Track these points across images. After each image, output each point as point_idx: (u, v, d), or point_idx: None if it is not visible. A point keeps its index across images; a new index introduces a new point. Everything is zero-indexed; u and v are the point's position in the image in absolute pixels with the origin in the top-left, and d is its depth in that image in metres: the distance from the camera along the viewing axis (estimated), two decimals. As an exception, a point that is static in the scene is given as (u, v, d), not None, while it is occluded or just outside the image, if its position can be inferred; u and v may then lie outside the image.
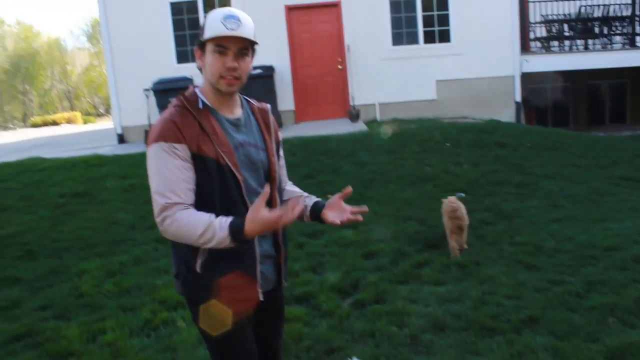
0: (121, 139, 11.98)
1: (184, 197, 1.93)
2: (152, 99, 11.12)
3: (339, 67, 12.05)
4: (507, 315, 3.81)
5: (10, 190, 8.01)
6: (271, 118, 2.20)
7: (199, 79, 8.98)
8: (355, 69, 11.81)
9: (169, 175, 1.92)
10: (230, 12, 1.97)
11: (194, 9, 11.79)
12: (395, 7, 11.84)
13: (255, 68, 10.80)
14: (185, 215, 1.90)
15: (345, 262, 5.00)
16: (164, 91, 10.60)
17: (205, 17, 2.01)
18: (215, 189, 1.96)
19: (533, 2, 12.93)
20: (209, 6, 11.82)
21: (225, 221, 1.88)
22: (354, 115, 11.42)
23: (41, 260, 5.71)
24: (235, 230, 1.86)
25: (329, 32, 11.98)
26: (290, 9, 11.83)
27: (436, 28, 11.93)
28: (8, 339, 4.06)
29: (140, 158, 9.76)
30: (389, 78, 11.80)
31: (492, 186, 7.11)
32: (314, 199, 2.26)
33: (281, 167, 2.24)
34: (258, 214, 1.84)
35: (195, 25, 11.79)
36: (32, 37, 53.43)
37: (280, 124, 11.35)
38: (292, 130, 10.96)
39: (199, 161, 1.94)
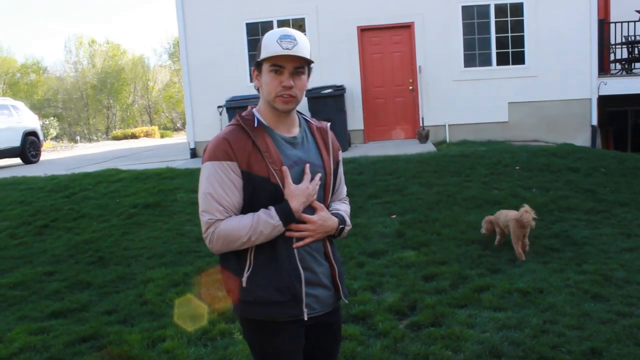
0: (193, 154, 12.46)
1: (228, 214, 2.01)
2: (225, 115, 11.52)
3: (410, 88, 12.08)
4: (569, 346, 3.70)
5: (88, 199, 8.50)
6: (330, 137, 2.23)
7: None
8: (426, 90, 11.81)
9: (217, 194, 2.00)
10: (286, 31, 2.02)
11: (269, 30, 12.12)
12: (468, 28, 11.79)
13: (326, 87, 11.11)
14: (228, 222, 1.99)
15: (404, 283, 5.00)
16: (236, 108, 10.96)
17: (261, 37, 2.09)
18: (261, 206, 2.02)
19: (614, 23, 12.52)
20: (283, 27, 12.14)
21: (269, 209, 1.99)
22: (423, 136, 11.39)
23: (111, 266, 6.05)
24: (283, 210, 1.99)
25: (401, 53, 12.05)
26: (362, 30, 12.00)
27: (510, 50, 11.76)
28: (75, 339, 4.32)
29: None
30: (460, 99, 11.73)
31: (561, 212, 6.91)
32: (340, 210, 2.24)
33: (339, 186, 2.30)
34: (292, 189, 2.01)
35: (269, 45, 12.14)
36: (119, 55, 56.36)
37: (349, 143, 11.51)
38: (361, 150, 11.05)
39: (249, 179, 2.01)
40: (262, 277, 2.05)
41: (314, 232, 2.08)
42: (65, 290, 5.55)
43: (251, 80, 11.97)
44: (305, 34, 11.68)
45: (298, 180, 2.06)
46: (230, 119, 11.06)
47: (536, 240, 6.05)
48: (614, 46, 12.57)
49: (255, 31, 12.20)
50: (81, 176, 10.00)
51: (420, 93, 11.82)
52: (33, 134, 15.84)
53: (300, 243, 2.06)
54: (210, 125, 12.03)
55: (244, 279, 2.06)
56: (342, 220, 2.18)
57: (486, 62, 11.83)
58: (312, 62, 2.08)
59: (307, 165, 2.08)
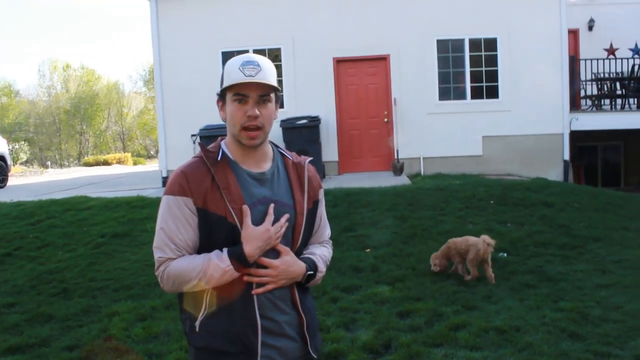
0: (165, 182, 12.19)
1: (181, 253, 1.88)
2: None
3: (385, 120, 12.10)
4: (547, 388, 3.61)
5: (55, 227, 8.23)
6: (308, 174, 2.06)
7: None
8: (401, 122, 11.83)
9: (169, 230, 1.88)
10: (249, 57, 1.90)
11: (245, 59, 12.10)
12: (443, 62, 11.90)
13: (301, 118, 11.06)
14: (179, 262, 1.86)
15: (379, 320, 4.87)
16: (209, 137, 10.82)
17: (224, 68, 1.97)
18: (217, 247, 1.87)
19: (584, 60, 12.80)
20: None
21: (223, 252, 1.85)
22: (397, 169, 11.37)
23: (75, 298, 5.81)
24: (235, 254, 1.84)
25: (376, 84, 12.10)
26: (338, 61, 12.03)
27: (484, 84, 11.90)
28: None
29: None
30: (435, 132, 11.78)
31: (536, 247, 6.88)
32: (313, 255, 2.07)
33: (318, 228, 2.14)
34: (248, 231, 1.86)
35: (245, 74, 12.10)
36: (94, 80, 55.89)
37: (323, 175, 11.42)
38: (335, 181, 10.98)
39: (204, 217, 1.87)
40: (215, 323, 1.90)
41: (276, 277, 1.90)
42: (25, 323, 5.29)
43: (226, 109, 11.90)
44: (281, 64, 11.80)
45: (261, 221, 1.90)
46: (203, 148, 10.92)
47: (511, 276, 5.99)
48: (584, 82, 12.82)
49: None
50: (48, 203, 9.71)
51: (395, 125, 11.84)
52: (1, 158, 15.46)
53: (261, 290, 1.90)
54: (184, 153, 11.83)
55: (197, 323, 1.91)
56: (311, 266, 1.99)
57: (461, 95, 11.94)
58: (278, 89, 1.96)
59: (271, 206, 1.93)
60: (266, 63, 1.92)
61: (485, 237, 5.94)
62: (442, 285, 5.74)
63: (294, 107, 11.91)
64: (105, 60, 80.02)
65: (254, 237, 1.85)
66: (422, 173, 11.65)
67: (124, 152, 42.63)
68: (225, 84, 1.90)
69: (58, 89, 54.96)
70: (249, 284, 1.89)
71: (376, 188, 9.52)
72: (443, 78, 11.91)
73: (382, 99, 12.10)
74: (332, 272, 6.14)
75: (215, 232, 1.87)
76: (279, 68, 12.02)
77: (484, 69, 11.89)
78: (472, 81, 11.90)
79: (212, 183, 1.88)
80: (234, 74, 1.87)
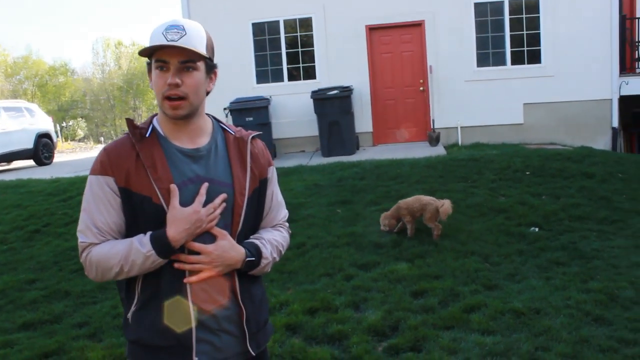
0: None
1: (104, 237, 1.71)
2: (230, 118, 11.26)
3: (421, 88, 11.65)
4: (559, 379, 3.31)
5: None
6: (252, 149, 1.86)
7: (277, 99, 8.94)
8: (437, 90, 11.37)
9: (91, 212, 1.71)
10: (175, 22, 1.70)
11: (276, 30, 11.86)
12: (481, 26, 11.30)
13: (332, 88, 10.75)
14: (101, 247, 1.69)
15: (390, 300, 4.64)
16: (240, 110, 10.70)
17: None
18: (145, 231, 1.69)
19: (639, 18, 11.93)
20: (290, 27, 11.87)
21: (145, 236, 1.67)
22: (433, 139, 10.96)
23: (93, 275, 5.78)
24: (158, 238, 1.65)
25: (411, 52, 11.63)
26: (371, 29, 11.61)
27: (525, 48, 11.25)
28: (37, 355, 4.10)
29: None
30: (473, 101, 11.26)
31: (571, 221, 6.46)
32: (259, 239, 1.86)
33: (270, 210, 1.93)
34: (174, 213, 1.66)
35: (276, 45, 11.86)
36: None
37: (357, 146, 11.14)
38: (368, 153, 10.69)
39: (127, 198, 1.70)
40: (145, 315, 1.73)
41: (210, 264, 1.70)
42: (42, 299, 5.34)
43: (258, 82, 11.73)
44: (312, 34, 11.48)
45: (192, 202, 1.70)
46: (234, 121, 10.79)
47: (541, 253, 5.62)
48: (638, 43, 11.96)
49: (262, 31, 11.91)
50: (82, 179, 9.81)
51: (431, 94, 11.39)
52: (46, 135, 15.85)
53: (193, 278, 1.70)
54: (217, 127, 11.77)
55: (129, 314, 1.75)
56: (252, 252, 1.78)
57: (500, 61, 11.32)
58: (205, 56, 1.73)
59: (204, 185, 1.72)
60: (194, 27, 1.72)
61: (446, 203, 5.97)
62: (464, 263, 5.42)
63: (327, 77, 11.60)
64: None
65: (180, 218, 1.66)
66: (459, 143, 11.21)
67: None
68: (144, 48, 1.70)
69: (111, 66, 56.17)
70: (181, 272, 1.70)
71: (408, 159, 9.19)
72: (481, 43, 11.31)
73: (418, 67, 11.63)
74: (352, 247, 5.94)
75: (140, 215, 1.70)
76: (310, 38, 11.72)
77: (525, 32, 11.21)
78: (512, 46, 11.26)
79: (136, 161, 1.70)
80: (156, 38, 1.67)
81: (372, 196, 7.51)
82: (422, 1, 11.32)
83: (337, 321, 4.27)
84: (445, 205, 5.90)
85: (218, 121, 1.91)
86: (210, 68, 1.79)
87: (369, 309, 4.51)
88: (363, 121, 11.64)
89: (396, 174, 8.35)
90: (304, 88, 11.36)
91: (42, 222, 7.71)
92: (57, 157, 17.98)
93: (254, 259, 1.78)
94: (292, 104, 11.59)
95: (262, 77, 11.94)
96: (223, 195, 1.74)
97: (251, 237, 1.85)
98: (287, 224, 2.01)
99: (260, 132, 2.01)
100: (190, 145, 1.78)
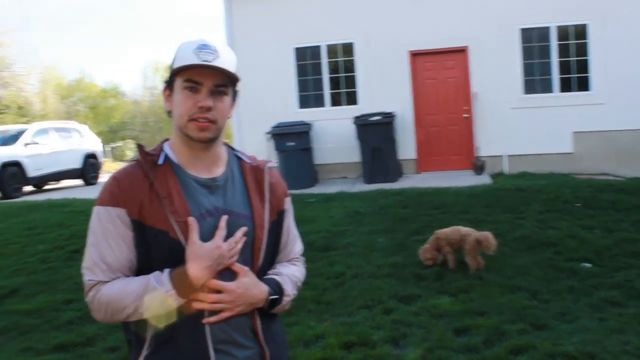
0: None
1: (114, 275, 1.57)
2: (272, 142, 11.26)
3: (465, 115, 11.42)
4: None
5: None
6: (268, 180, 1.74)
7: (319, 124, 8.84)
8: (481, 118, 11.13)
9: (100, 247, 1.57)
10: (205, 41, 1.60)
11: (318, 55, 11.87)
12: (527, 52, 11.05)
13: (374, 114, 10.63)
14: (111, 286, 1.55)
15: (431, 337, 4.41)
16: (281, 135, 10.67)
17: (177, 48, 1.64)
18: (159, 268, 1.55)
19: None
20: (332, 52, 11.86)
21: (163, 273, 1.52)
22: (478, 167, 10.69)
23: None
24: (179, 277, 1.51)
25: (455, 78, 11.45)
26: (414, 55, 11.49)
27: (573, 75, 10.92)
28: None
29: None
30: (519, 128, 10.97)
31: (627, 257, 6.08)
32: (279, 275, 1.74)
33: (287, 243, 1.81)
34: (194, 248, 1.52)
35: (318, 70, 11.86)
36: (192, 81, 57.99)
37: (400, 174, 10.95)
38: (411, 181, 10.50)
39: (141, 232, 1.56)
40: (160, 359, 1.58)
41: (232, 304, 1.57)
42: (77, 321, 5.29)
43: (300, 106, 11.71)
44: (354, 59, 11.44)
45: (211, 236, 1.57)
46: (276, 146, 10.77)
47: (594, 291, 5.29)
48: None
49: (304, 56, 11.94)
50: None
51: (475, 121, 11.16)
52: (93, 156, 16.25)
53: (213, 319, 1.57)
54: (257, 151, 11.64)
55: (141, 359, 1.60)
56: (275, 289, 1.66)
57: (547, 88, 11.02)
58: (237, 79, 1.63)
59: (224, 217, 1.60)
60: (225, 50, 1.63)
61: (489, 236, 5.71)
62: (511, 299, 5.14)
63: (369, 103, 11.51)
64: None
65: (201, 255, 1.52)
66: (505, 172, 10.89)
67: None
68: (176, 66, 1.59)
69: (160, 89, 57.55)
70: (199, 312, 1.57)
71: (452, 188, 8.96)
72: (527, 70, 11.05)
73: (462, 93, 11.44)
74: (392, 279, 5.74)
75: (155, 250, 1.56)
76: (351, 63, 11.68)
77: (573, 58, 10.90)
78: (560, 72, 10.94)
79: (150, 191, 1.57)
80: (187, 56, 1.57)
81: (414, 225, 7.31)
82: (466, 27, 11.16)
83: (375, 358, 4.08)
84: (490, 239, 5.66)
85: (232, 149, 1.79)
86: (235, 94, 1.70)
87: (409, 346, 4.30)
88: (406, 148, 11.47)
89: (439, 203, 8.13)
90: (346, 113, 11.29)
91: (83, 243, 7.62)
92: (104, 177, 18.37)
93: (277, 297, 1.66)
94: (334, 129, 11.52)
95: (304, 102, 11.93)
96: (244, 229, 1.62)
97: (269, 272, 1.72)
98: (302, 258, 1.89)
99: (273, 162, 1.90)
100: (206, 175, 1.66)
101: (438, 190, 8.82)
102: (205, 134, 1.60)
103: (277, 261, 1.79)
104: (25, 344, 4.77)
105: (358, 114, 10.87)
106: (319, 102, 11.93)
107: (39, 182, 15.08)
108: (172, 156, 1.66)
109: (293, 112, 11.72)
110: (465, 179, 10.04)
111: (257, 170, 1.75)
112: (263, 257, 1.68)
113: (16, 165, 13.59)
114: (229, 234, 1.60)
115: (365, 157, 10.74)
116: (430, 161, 11.66)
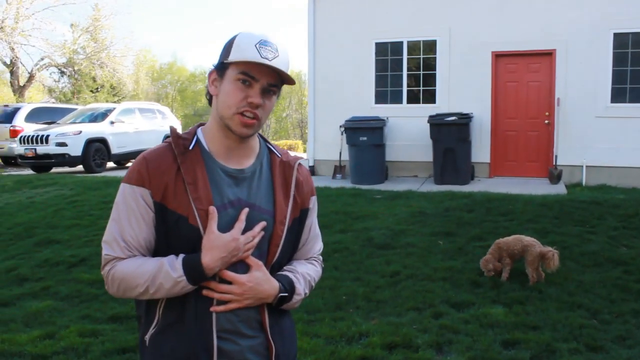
0: (312, 171, 12.33)
1: (132, 252, 1.60)
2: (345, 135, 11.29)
3: (546, 122, 10.98)
4: None
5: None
6: (295, 176, 1.74)
7: (394, 120, 8.85)
8: (563, 125, 10.65)
9: (121, 224, 1.60)
10: (267, 37, 1.59)
11: (398, 51, 11.75)
12: (619, 59, 10.44)
13: (450, 114, 10.43)
14: (127, 263, 1.58)
15: (478, 346, 4.30)
16: (354, 129, 10.67)
17: (231, 38, 1.64)
18: (176, 252, 1.58)
19: None
20: (413, 48, 11.71)
21: (177, 259, 1.56)
22: (554, 176, 10.26)
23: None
24: (191, 263, 1.54)
25: (539, 82, 11.01)
26: (497, 56, 11.15)
27: (670, 85, 10.23)
28: (115, 349, 4.21)
29: (317, 192, 9.90)
30: (603, 138, 10.43)
31: None
32: (293, 272, 1.75)
33: (306, 241, 1.82)
34: (211, 238, 1.54)
35: (397, 66, 11.77)
36: (279, 69, 59.14)
37: (472, 176, 10.70)
38: (482, 184, 10.22)
39: (162, 215, 1.58)
40: (164, 340, 1.62)
41: (241, 296, 1.59)
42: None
43: (376, 102, 11.64)
44: (435, 57, 11.24)
45: (230, 227, 1.59)
46: (347, 139, 10.79)
47: (664, 319, 4.98)
48: None
49: (384, 51, 11.85)
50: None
51: (557, 128, 10.68)
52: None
53: (221, 308, 1.60)
54: (331, 144, 11.86)
55: (147, 337, 1.65)
56: (286, 287, 1.67)
57: (638, 98, 10.37)
58: (293, 82, 1.64)
59: (245, 210, 1.62)
60: (285, 50, 1.62)
61: (553, 252, 5.54)
62: (568, 316, 4.92)
63: (447, 102, 11.30)
64: (291, 50, 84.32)
65: (217, 245, 1.55)
66: (583, 183, 10.39)
67: (302, 140, 44.45)
68: (234, 58, 1.57)
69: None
70: (207, 299, 1.60)
71: (523, 195, 8.67)
72: (618, 78, 10.44)
73: (544, 98, 10.98)
74: (447, 283, 5.64)
75: (173, 234, 1.59)
76: (432, 61, 11.49)
77: (671, 68, 10.22)
78: (654, 82, 10.29)
79: (176, 175, 1.59)
80: (249, 50, 1.57)
81: (477, 231, 7.14)
82: (555, 29, 10.68)
83: (415, 361, 4.03)
84: (554, 257, 5.48)
85: (265, 140, 1.80)
86: (279, 94, 1.70)
87: (452, 353, 4.21)
88: (481, 151, 11.18)
89: (507, 210, 7.89)
90: (423, 112, 11.12)
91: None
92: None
93: (287, 294, 1.67)
94: (408, 127, 11.39)
95: (380, 98, 11.86)
96: (263, 224, 1.64)
97: (284, 268, 1.73)
98: (321, 258, 1.90)
99: (304, 158, 1.91)
100: (234, 165, 1.67)
101: (508, 197, 8.55)
102: (247, 131, 1.62)
103: (295, 258, 1.80)
104: (84, 311, 5.04)
105: (434, 113, 10.68)
106: (395, 98, 11.82)
107: (121, 159, 15.85)
108: (204, 143, 1.68)
109: (369, 107, 11.69)
110: (539, 187, 9.67)
111: (287, 165, 1.75)
112: (279, 253, 1.69)
113: (101, 141, 14.36)
114: (248, 227, 1.61)
115: (437, 157, 10.56)
116: (505, 166, 11.31)
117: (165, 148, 1.65)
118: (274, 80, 1.60)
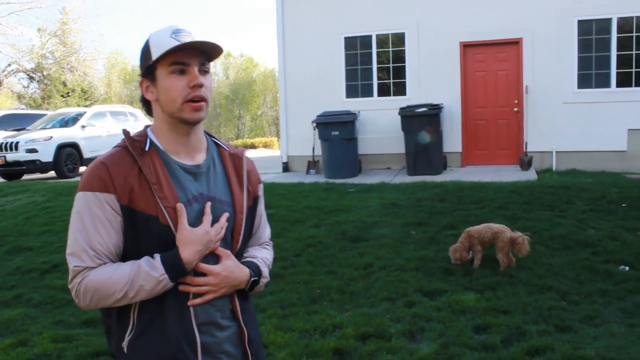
0: (286, 167, 12.35)
1: (102, 260, 1.58)
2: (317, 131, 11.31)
3: (515, 109, 11.12)
4: None
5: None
6: (246, 167, 1.81)
7: (365, 114, 8.92)
8: (532, 112, 10.81)
9: (87, 233, 1.57)
10: (178, 26, 1.64)
11: (367, 45, 11.79)
12: (584, 45, 10.61)
13: (421, 105, 10.50)
14: (100, 271, 1.56)
15: (449, 332, 4.36)
16: (326, 124, 10.69)
17: (145, 43, 1.67)
18: (147, 253, 1.59)
19: None
20: (382, 42, 11.75)
21: (154, 259, 1.57)
22: (525, 163, 10.40)
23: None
24: (171, 261, 1.57)
25: (507, 71, 11.14)
26: (465, 46, 11.26)
27: (634, 69, 10.42)
28: (89, 353, 4.19)
29: (291, 188, 9.96)
30: (571, 124, 10.60)
31: (669, 262, 5.83)
32: (255, 258, 1.82)
33: (258, 227, 1.89)
34: (185, 233, 1.59)
35: (367, 60, 11.79)
36: (252, 67, 58.94)
37: (444, 166, 10.80)
38: (455, 174, 10.33)
39: (131, 217, 1.58)
40: (146, 342, 1.61)
41: (217, 286, 1.64)
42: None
43: (347, 96, 11.68)
44: (404, 49, 11.30)
45: (197, 222, 1.63)
46: (320, 135, 10.81)
47: (628, 295, 5.10)
48: None
49: (354, 46, 11.89)
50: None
51: (525, 116, 10.84)
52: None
53: (198, 300, 1.63)
54: (304, 139, 11.87)
55: (125, 343, 1.63)
56: (255, 271, 1.75)
57: (604, 83, 10.56)
58: (221, 50, 1.68)
59: (208, 204, 1.66)
60: (194, 31, 1.67)
61: (524, 237, 5.65)
62: (538, 298, 5.02)
63: (417, 94, 11.38)
64: (262, 49, 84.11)
65: (192, 240, 1.59)
66: (553, 168, 10.56)
67: (277, 137, 44.42)
68: (158, 54, 1.60)
69: (220, 76, 58.69)
70: (183, 295, 1.63)
71: (494, 183, 8.77)
72: (583, 63, 10.62)
73: (513, 86, 11.13)
74: (420, 273, 5.70)
75: (144, 235, 1.59)
76: (402, 53, 11.55)
77: (634, 52, 10.40)
78: (619, 67, 10.47)
79: (139, 177, 1.60)
80: (167, 43, 1.60)
81: (449, 219, 7.21)
82: (521, 18, 10.82)
83: (388, 350, 4.07)
84: (524, 242, 5.58)
85: (210, 135, 1.84)
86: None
87: (424, 340, 4.27)
88: (452, 141, 11.29)
89: (479, 198, 7.98)
90: (394, 104, 11.19)
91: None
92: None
93: (257, 278, 1.75)
94: (380, 120, 11.45)
95: (351, 92, 11.91)
96: (226, 214, 1.70)
97: (246, 256, 1.81)
98: (271, 243, 1.98)
99: (247, 149, 1.97)
100: (189, 161, 1.71)
101: (479, 185, 8.65)
102: (200, 114, 1.65)
103: (249, 245, 1.86)
104: (58, 317, 5.00)
105: (404, 105, 10.75)
106: (366, 92, 11.87)
107: (94, 163, 15.63)
108: (157, 142, 1.69)
109: (340, 102, 11.72)
110: (510, 174, 9.81)
111: (236, 157, 1.81)
112: (241, 241, 1.75)
113: (73, 146, 14.19)
114: (213, 220, 1.66)
115: (409, 148, 10.63)
116: (477, 155, 11.44)
117: (122, 151, 1.65)
118: (203, 58, 1.65)
